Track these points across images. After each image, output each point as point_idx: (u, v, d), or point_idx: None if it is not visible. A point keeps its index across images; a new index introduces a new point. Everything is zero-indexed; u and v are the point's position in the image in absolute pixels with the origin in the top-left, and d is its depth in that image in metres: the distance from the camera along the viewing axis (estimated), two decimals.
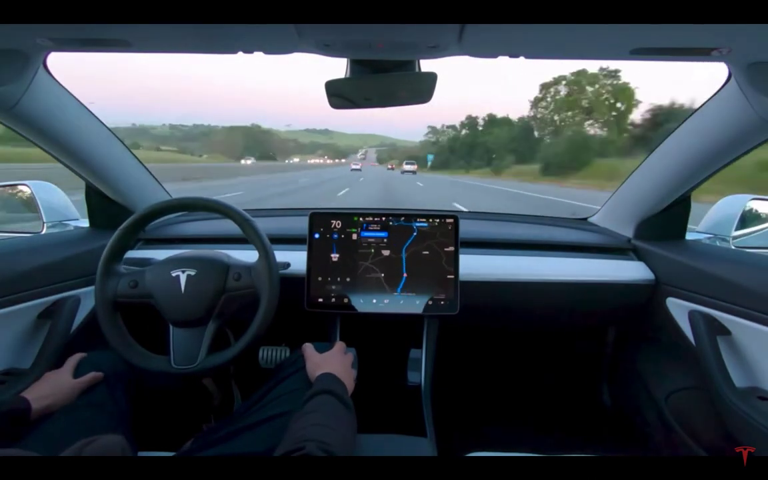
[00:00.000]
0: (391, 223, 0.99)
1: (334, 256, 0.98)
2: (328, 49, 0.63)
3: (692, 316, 0.90)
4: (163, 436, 0.91)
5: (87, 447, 0.48)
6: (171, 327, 0.81)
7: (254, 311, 0.81)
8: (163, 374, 0.79)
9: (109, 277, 0.80)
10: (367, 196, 12.57)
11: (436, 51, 0.63)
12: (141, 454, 0.76)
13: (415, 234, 0.98)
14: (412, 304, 0.97)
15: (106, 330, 0.78)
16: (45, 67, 0.76)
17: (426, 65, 0.71)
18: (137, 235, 0.91)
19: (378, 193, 13.67)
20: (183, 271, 0.80)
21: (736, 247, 1.10)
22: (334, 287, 0.98)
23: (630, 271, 1.06)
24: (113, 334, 0.78)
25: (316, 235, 0.98)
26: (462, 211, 1.23)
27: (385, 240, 0.98)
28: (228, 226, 0.87)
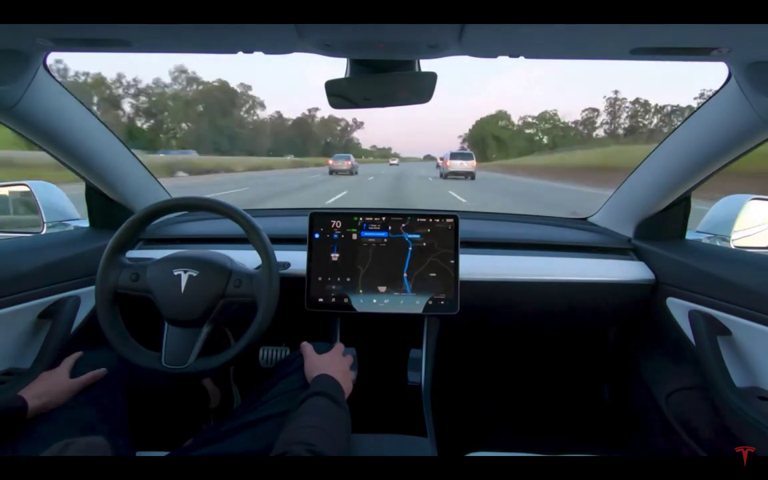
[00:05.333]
0: (391, 223, 0.99)
1: (334, 256, 0.98)
2: (328, 49, 0.63)
3: (692, 316, 0.90)
4: (163, 436, 0.91)
5: (67, 448, 0.47)
6: (166, 325, 0.81)
7: (252, 315, 0.81)
8: (160, 374, 0.79)
9: (112, 268, 0.80)
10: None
11: (436, 51, 0.63)
12: (139, 453, 0.76)
13: (415, 234, 0.98)
14: (412, 304, 0.97)
15: (102, 320, 0.79)
16: (45, 67, 0.76)
17: (426, 65, 0.71)
18: (139, 233, 0.91)
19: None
20: (185, 271, 0.80)
21: (736, 246, 1.10)
22: (334, 287, 0.97)
23: (630, 271, 1.06)
24: (109, 325, 0.78)
25: (316, 235, 0.98)
26: (462, 211, 1.22)
27: (385, 240, 0.98)
28: (228, 226, 0.87)
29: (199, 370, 0.79)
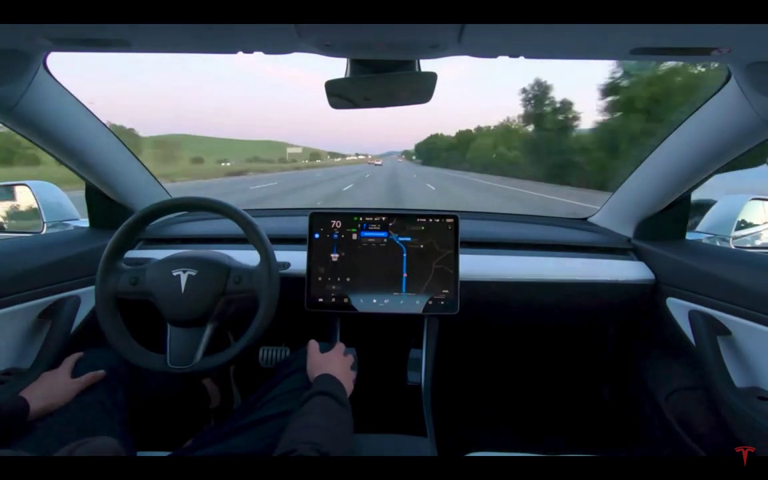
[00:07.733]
0: (391, 223, 0.99)
1: (334, 256, 0.98)
2: (328, 49, 0.62)
3: (692, 316, 0.90)
4: (163, 436, 0.91)
5: (79, 449, 0.47)
6: (169, 326, 0.81)
7: (254, 313, 0.81)
8: (162, 374, 0.79)
9: (110, 273, 0.80)
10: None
11: (436, 51, 0.63)
12: (140, 454, 0.76)
13: (415, 234, 0.98)
14: (412, 304, 0.97)
15: (104, 326, 0.78)
16: (45, 67, 0.76)
17: (426, 65, 0.71)
18: (138, 234, 0.91)
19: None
20: (184, 271, 0.80)
21: (736, 246, 1.10)
22: (334, 287, 0.97)
23: (630, 271, 1.06)
24: (111, 330, 0.78)
25: (316, 235, 0.98)
26: (462, 211, 1.22)
27: (385, 240, 0.98)
28: (228, 226, 0.87)
29: (206, 367, 0.79)
